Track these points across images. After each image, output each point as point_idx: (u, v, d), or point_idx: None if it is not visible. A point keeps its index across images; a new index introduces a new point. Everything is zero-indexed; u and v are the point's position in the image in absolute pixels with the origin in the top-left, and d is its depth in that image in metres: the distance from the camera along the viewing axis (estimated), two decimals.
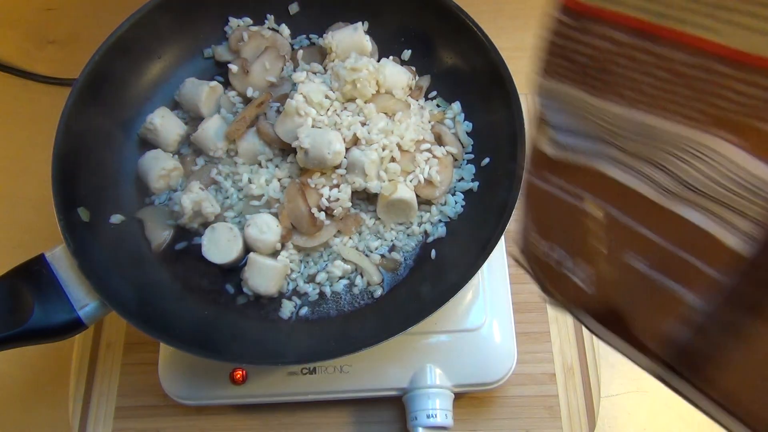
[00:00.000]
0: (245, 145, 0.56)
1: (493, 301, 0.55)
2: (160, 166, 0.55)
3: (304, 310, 0.53)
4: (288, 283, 0.54)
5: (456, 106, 0.59)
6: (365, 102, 0.55)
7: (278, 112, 0.56)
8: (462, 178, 0.57)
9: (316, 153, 0.51)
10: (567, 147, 0.23)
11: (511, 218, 0.48)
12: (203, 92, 0.57)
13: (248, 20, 0.62)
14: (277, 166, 0.56)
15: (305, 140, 0.51)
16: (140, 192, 0.57)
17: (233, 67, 0.58)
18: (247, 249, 0.53)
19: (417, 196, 0.54)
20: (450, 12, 0.57)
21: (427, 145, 0.56)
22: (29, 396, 0.60)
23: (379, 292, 0.54)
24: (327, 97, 0.54)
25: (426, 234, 0.56)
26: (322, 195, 0.53)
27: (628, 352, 0.23)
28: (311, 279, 0.54)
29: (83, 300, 0.46)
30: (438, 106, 0.60)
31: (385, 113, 0.56)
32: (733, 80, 0.17)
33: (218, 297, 0.53)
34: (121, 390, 0.58)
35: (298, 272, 0.54)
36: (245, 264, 0.52)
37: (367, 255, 0.54)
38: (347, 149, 0.53)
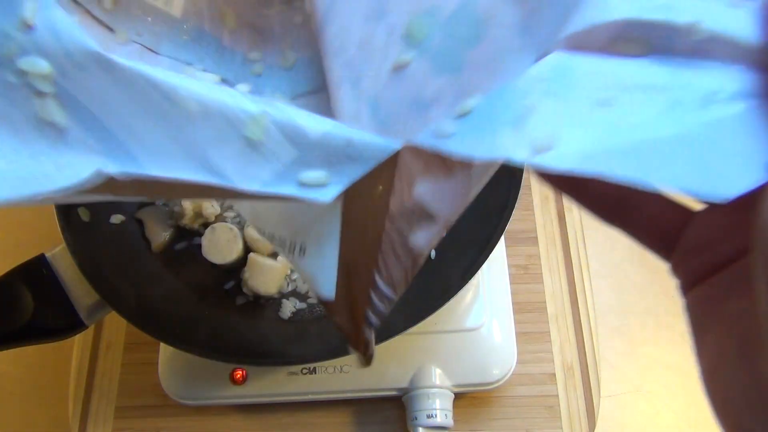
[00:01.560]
0: None
1: (493, 301, 0.55)
2: None
3: (304, 310, 0.53)
4: (288, 284, 0.54)
5: None
6: None
7: None
8: None
9: None
10: None
11: (511, 218, 0.48)
12: None
13: None
14: None
15: None
16: None
17: None
18: (248, 249, 0.53)
19: None
20: None
21: None
22: (29, 396, 0.60)
23: None
24: None
25: None
26: None
27: None
28: None
29: (83, 300, 0.46)
30: None
31: None
32: None
33: (218, 297, 0.53)
34: (121, 390, 0.58)
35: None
36: (245, 264, 0.52)
37: None
38: None
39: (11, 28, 0.18)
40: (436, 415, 0.50)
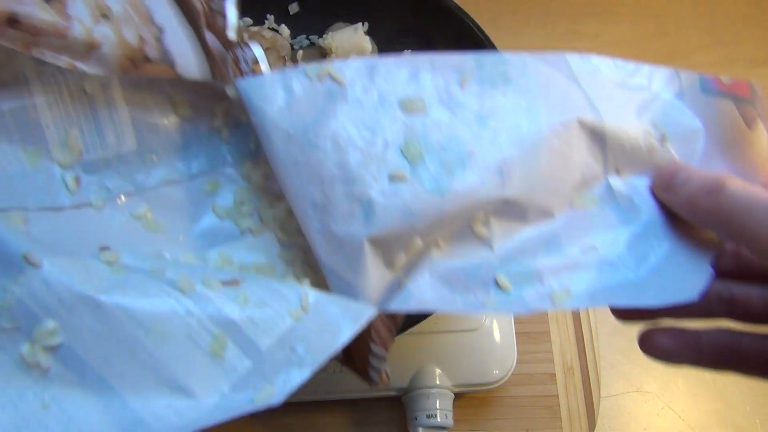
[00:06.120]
0: None
1: None
2: None
3: None
4: None
5: None
6: None
7: None
8: None
9: None
10: None
11: None
12: None
13: (248, 20, 0.62)
14: None
15: None
16: None
17: None
18: None
19: None
20: (450, 12, 0.57)
21: None
22: None
23: None
24: None
25: None
26: None
27: None
28: None
29: None
30: None
31: None
32: None
33: None
34: None
35: None
36: None
37: None
38: None
39: (8, 281, 0.21)
40: (436, 415, 0.50)
